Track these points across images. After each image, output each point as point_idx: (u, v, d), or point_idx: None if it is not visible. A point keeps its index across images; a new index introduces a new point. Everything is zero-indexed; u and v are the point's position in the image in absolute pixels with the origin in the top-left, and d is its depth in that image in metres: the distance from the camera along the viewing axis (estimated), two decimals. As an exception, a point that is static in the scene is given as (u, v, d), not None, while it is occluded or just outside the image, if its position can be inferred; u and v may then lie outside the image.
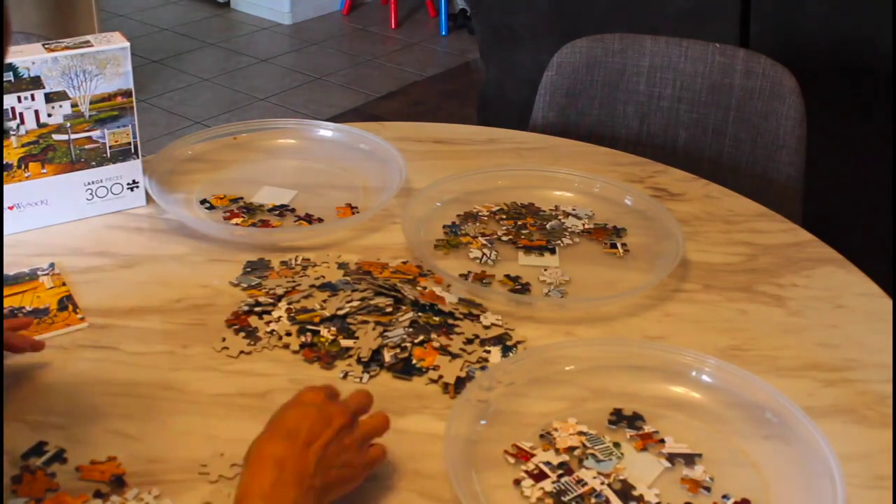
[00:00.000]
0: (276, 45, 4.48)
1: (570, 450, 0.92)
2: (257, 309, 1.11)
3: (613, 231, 1.30)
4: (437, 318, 1.09)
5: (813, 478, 0.89)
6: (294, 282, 1.16)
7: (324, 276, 1.16)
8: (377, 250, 1.24)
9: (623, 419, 0.96)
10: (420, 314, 1.10)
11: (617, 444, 0.93)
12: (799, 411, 0.94)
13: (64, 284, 1.15)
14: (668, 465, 0.91)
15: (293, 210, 1.33)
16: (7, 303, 1.11)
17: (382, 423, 0.88)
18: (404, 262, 1.20)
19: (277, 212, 1.32)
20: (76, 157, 1.26)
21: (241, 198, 1.35)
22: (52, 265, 1.19)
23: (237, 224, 1.29)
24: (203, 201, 1.34)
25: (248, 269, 1.20)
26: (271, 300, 1.12)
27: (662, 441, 0.94)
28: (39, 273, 1.17)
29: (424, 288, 1.14)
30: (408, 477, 0.90)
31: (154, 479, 0.89)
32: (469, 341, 1.07)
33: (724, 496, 0.88)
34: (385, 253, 1.24)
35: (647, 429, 0.95)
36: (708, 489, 0.89)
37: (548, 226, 1.30)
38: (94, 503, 0.85)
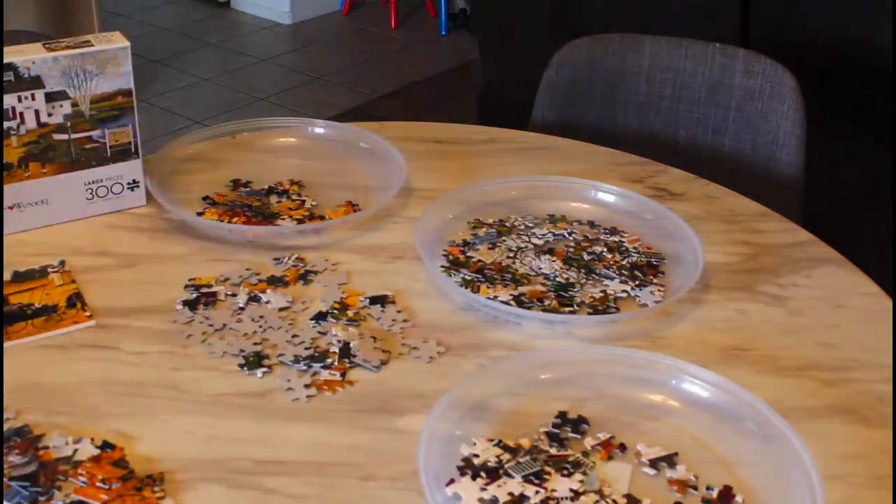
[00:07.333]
0: (276, 45, 4.48)
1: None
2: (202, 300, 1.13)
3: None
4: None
5: (794, 486, 0.87)
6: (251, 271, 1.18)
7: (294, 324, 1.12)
8: (377, 249, 1.24)
9: (567, 423, 0.95)
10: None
11: (586, 454, 0.92)
12: (781, 420, 0.92)
13: (73, 282, 1.15)
14: (636, 464, 0.91)
15: (300, 189, 1.36)
16: (16, 299, 1.11)
17: None
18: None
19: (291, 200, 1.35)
20: (76, 157, 1.26)
21: (238, 201, 1.35)
22: (62, 262, 1.19)
23: (237, 223, 1.29)
24: (205, 198, 1.34)
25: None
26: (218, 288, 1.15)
27: (622, 446, 0.93)
28: (50, 270, 1.17)
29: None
30: (408, 477, 0.90)
31: (154, 478, 0.89)
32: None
33: (708, 488, 0.88)
34: (385, 252, 1.24)
35: (603, 436, 0.94)
36: (695, 488, 0.89)
37: (584, 255, 1.23)
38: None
